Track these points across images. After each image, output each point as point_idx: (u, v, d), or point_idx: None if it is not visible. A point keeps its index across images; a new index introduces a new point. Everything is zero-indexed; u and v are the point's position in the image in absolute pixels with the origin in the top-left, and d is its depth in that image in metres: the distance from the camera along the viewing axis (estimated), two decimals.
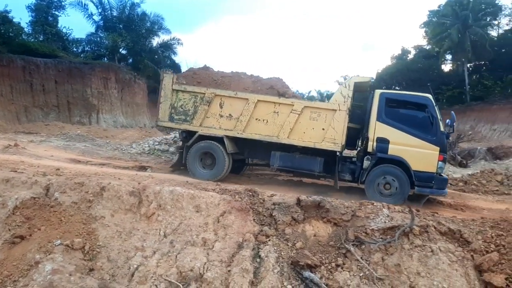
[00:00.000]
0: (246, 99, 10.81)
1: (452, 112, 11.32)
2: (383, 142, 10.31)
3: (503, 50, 41.59)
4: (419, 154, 10.18)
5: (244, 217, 6.78)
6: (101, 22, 37.44)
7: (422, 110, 10.41)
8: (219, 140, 10.89)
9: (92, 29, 37.46)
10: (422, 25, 46.60)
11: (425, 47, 48.57)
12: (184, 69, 41.48)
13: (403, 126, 10.33)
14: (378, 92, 10.66)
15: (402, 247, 6.69)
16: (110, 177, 8.66)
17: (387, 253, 6.65)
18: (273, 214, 7.05)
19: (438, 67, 45.70)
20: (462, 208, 10.37)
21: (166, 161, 14.30)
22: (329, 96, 63.68)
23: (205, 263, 6.07)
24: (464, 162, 17.05)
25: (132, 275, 6.03)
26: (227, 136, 10.90)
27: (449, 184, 13.37)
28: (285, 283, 6.03)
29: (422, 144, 10.21)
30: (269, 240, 6.62)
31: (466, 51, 39.23)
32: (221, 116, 10.98)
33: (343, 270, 6.40)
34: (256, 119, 10.82)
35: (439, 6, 44.44)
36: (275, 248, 6.51)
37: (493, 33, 45.15)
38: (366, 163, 10.36)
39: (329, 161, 10.89)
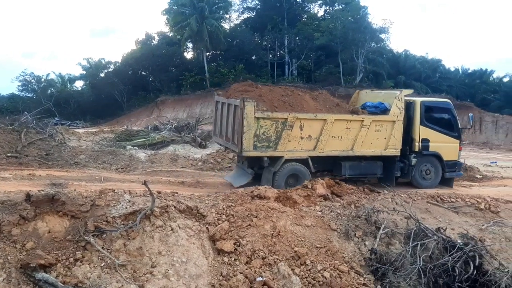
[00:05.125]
0: (324, 119, 11.26)
1: (470, 114, 14.95)
2: (425, 142, 12.42)
3: (234, 42, 46.93)
4: (448, 147, 12.77)
5: None
6: None
7: (446, 113, 13.03)
8: (303, 161, 11.25)
9: None
10: (164, 12, 47.97)
11: (168, 34, 50.30)
12: None
13: (437, 127, 12.64)
14: (418, 101, 12.64)
15: (144, 230, 6.77)
16: None
17: (129, 238, 6.61)
18: None
19: (181, 54, 48.14)
20: (201, 186, 11.30)
21: None
22: (71, 79, 58.98)
23: None
24: (204, 143, 18.58)
25: None
26: (310, 157, 11.26)
27: (190, 164, 14.43)
28: None
29: (449, 140, 12.81)
30: None
31: (204, 40, 42.43)
32: (302, 138, 11.17)
33: (83, 264, 6.07)
34: (332, 136, 11.41)
35: None
36: None
37: (226, 25, 50.43)
38: (413, 161, 12.31)
39: (385, 164, 12.19)
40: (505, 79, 54.40)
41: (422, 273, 6.81)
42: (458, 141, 13.03)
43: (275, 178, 11.00)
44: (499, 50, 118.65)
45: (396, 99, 11.95)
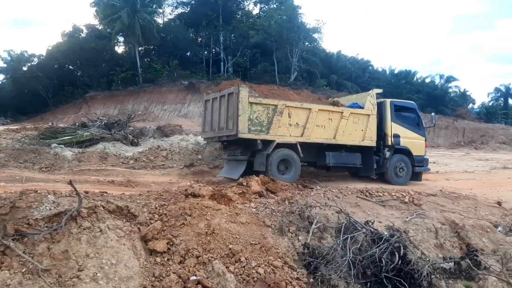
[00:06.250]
0: (309, 108, 12.27)
1: (433, 113, 16.40)
2: (397, 137, 13.67)
3: (168, 37, 46.03)
4: (416, 143, 14.06)
5: None
6: None
7: (412, 113, 14.54)
8: (293, 146, 12.06)
9: None
10: (93, 4, 45.91)
11: (97, 27, 48.26)
12: None
13: (406, 124, 13.97)
14: (388, 101, 14.02)
15: (70, 232, 6.39)
16: None
17: (54, 241, 6.21)
18: None
19: (112, 48, 46.41)
20: (132, 185, 10.93)
21: None
22: None
23: None
24: (136, 140, 17.95)
25: None
26: (299, 142, 12.06)
27: (120, 163, 13.94)
28: None
29: (417, 137, 14.17)
30: None
31: (136, 35, 41.19)
32: (290, 125, 12.03)
33: (2, 270, 5.59)
34: (317, 125, 12.35)
35: None
36: None
37: (159, 20, 49.34)
38: (387, 154, 13.47)
39: (363, 155, 13.19)
40: (427, 80, 58.22)
41: (352, 265, 7.04)
42: (424, 138, 14.55)
43: (268, 160, 11.71)
44: (424, 53, 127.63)
45: (369, 96, 13.42)
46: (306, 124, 12.18)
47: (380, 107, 13.71)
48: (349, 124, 12.79)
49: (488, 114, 56.56)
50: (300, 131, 12.20)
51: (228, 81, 14.44)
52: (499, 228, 9.54)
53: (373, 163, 13.40)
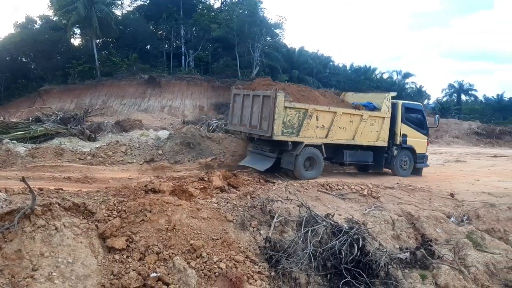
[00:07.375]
0: (335, 112, 13.02)
1: (437, 115, 18.00)
2: (404, 137, 14.72)
3: (127, 30, 44.92)
4: (419, 142, 15.23)
5: None
6: None
7: (419, 113, 15.60)
8: (317, 146, 12.90)
9: None
10: None
11: (52, 18, 46.39)
12: None
13: (413, 125, 15.04)
14: (400, 102, 14.91)
15: (24, 230, 6.14)
16: None
17: (6, 240, 5.96)
18: None
19: (67, 40, 44.78)
20: (89, 181, 10.62)
21: None
22: None
23: None
24: (93, 136, 17.44)
25: None
26: (323, 143, 12.93)
27: (77, 159, 13.52)
28: None
29: (420, 136, 15.31)
30: None
31: (93, 27, 39.92)
32: (317, 127, 12.78)
33: None
34: (339, 127, 13.17)
35: None
36: None
37: (118, 12, 48.02)
38: (395, 152, 14.60)
39: (375, 153, 14.20)
40: (385, 76, 59.82)
41: (312, 257, 7.15)
42: (426, 137, 15.72)
43: (297, 160, 12.48)
44: (384, 49, 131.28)
45: (385, 99, 14.30)
46: (330, 126, 12.98)
47: (393, 108, 14.56)
48: (367, 126, 13.70)
49: (443, 109, 58.65)
50: (325, 133, 12.99)
51: (260, 78, 15.26)
52: (452, 219, 9.96)
53: (382, 160, 14.54)
